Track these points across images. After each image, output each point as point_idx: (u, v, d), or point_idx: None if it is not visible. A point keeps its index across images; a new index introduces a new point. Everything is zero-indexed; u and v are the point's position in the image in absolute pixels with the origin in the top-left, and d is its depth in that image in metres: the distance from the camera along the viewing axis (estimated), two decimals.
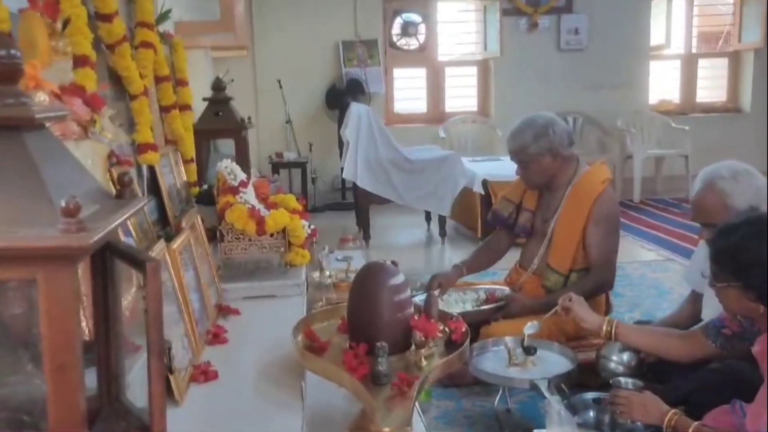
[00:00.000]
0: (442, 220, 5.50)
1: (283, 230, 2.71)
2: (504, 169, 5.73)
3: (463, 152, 7.00)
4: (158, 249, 1.92)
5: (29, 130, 0.97)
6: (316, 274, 2.93)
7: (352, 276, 2.82)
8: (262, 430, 1.65)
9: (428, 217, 5.87)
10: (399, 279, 1.92)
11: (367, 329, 1.86)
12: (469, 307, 2.97)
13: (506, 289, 3.05)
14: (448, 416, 2.54)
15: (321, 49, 7.28)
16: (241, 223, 2.63)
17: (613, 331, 2.26)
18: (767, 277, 1.74)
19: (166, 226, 2.85)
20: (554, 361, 2.47)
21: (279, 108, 7.10)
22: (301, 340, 1.94)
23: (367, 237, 5.49)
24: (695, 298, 2.52)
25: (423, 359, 1.83)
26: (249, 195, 2.72)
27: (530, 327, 2.44)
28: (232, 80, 6.58)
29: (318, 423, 2.00)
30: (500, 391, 2.42)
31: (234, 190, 2.70)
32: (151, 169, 2.91)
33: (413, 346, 1.85)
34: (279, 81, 7.03)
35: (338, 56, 7.26)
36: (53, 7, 1.39)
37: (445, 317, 2.02)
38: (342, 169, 5.43)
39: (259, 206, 2.76)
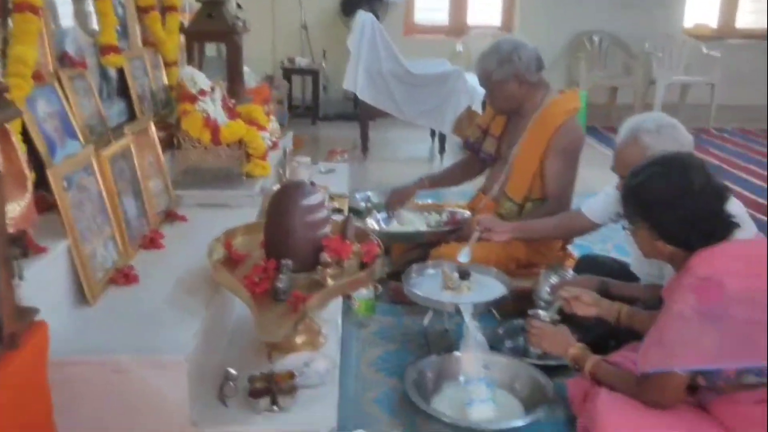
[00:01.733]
0: (442, 137, 5.45)
1: (240, 141, 2.74)
2: None
3: None
4: (83, 155, 1.98)
5: None
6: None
7: None
8: (158, 331, 1.74)
9: (433, 132, 5.82)
10: (314, 199, 1.96)
11: (279, 246, 1.93)
12: (424, 228, 3.01)
13: (466, 213, 3.07)
14: (386, 332, 2.62)
15: None
16: (196, 132, 2.68)
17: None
18: (671, 216, 1.73)
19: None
20: (489, 287, 2.50)
21: (295, 12, 6.96)
22: (221, 252, 2.01)
23: (365, 149, 5.49)
24: None
25: (328, 278, 1.89)
26: (208, 104, 2.74)
27: (463, 255, 2.46)
28: None
29: (238, 333, 2.11)
30: (430, 312, 2.47)
31: (192, 98, 2.72)
32: (121, 72, 2.95)
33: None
34: None
35: None
36: None
37: (363, 238, 2.07)
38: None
39: (220, 116, 2.78)
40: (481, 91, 5.06)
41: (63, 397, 1.61)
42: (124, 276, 1.99)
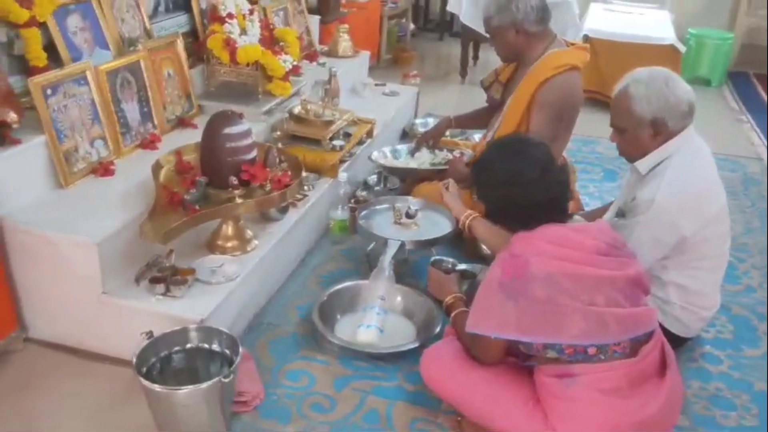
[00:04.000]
0: None
1: (257, 63, 3.07)
2: (628, 24, 5.30)
3: None
4: (78, 68, 2.45)
5: None
6: (296, 107, 3.23)
7: (326, 113, 3.18)
8: (94, 217, 2.19)
9: None
10: (238, 128, 2.27)
11: (204, 166, 2.29)
12: (427, 165, 3.17)
13: (469, 152, 3.18)
14: (352, 253, 2.89)
15: None
16: (217, 51, 3.04)
17: (467, 224, 2.32)
18: (492, 197, 1.83)
19: (196, 40, 3.35)
20: (435, 227, 2.68)
21: None
22: (172, 162, 2.41)
23: (463, 73, 5.54)
24: None
25: (237, 198, 2.22)
26: (234, 26, 3.07)
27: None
28: None
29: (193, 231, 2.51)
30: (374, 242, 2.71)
31: (220, 20, 3.07)
32: None
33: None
34: None
35: None
36: None
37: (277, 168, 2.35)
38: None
39: (254, 37, 3.10)
40: (591, 26, 4.90)
41: (17, 258, 2.16)
42: (103, 169, 2.47)
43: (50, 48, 2.56)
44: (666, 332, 2.07)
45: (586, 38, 4.88)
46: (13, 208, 2.18)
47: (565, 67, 2.72)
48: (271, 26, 3.42)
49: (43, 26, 2.51)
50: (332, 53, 4.25)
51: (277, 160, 2.40)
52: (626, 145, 2.15)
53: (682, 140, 2.07)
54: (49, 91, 2.31)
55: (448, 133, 3.60)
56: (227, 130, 2.23)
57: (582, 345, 1.73)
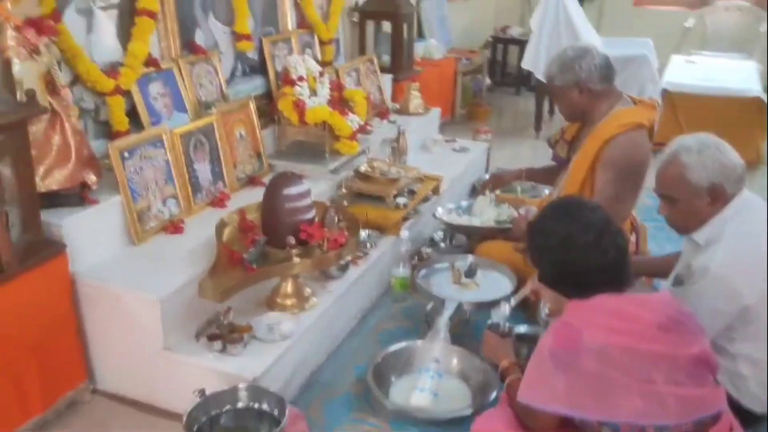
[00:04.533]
0: None
1: (324, 123, 3.17)
2: (711, 77, 5.13)
3: (714, 46, 6.25)
4: (154, 132, 2.60)
5: None
6: (363, 165, 3.30)
7: (392, 170, 3.23)
8: (158, 274, 2.30)
9: None
10: (297, 189, 2.34)
11: (265, 225, 2.37)
12: (491, 223, 3.14)
13: (534, 210, 3.13)
14: (413, 311, 2.89)
15: None
16: (287, 111, 3.17)
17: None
18: (546, 261, 1.78)
19: (270, 101, 3.51)
20: (496, 287, 2.63)
21: None
22: (236, 221, 2.50)
23: (538, 128, 5.50)
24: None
25: (294, 257, 2.28)
26: (304, 89, 3.19)
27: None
28: None
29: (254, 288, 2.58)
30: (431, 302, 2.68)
31: (292, 82, 3.20)
32: (262, 53, 3.55)
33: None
34: None
35: None
36: None
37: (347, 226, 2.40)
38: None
39: (314, 99, 3.22)
40: (670, 80, 4.80)
41: (87, 309, 2.29)
42: (173, 226, 2.60)
43: (132, 112, 2.75)
44: (739, 408, 1.94)
45: (665, 92, 4.76)
46: (87, 264, 2.32)
47: (630, 125, 2.65)
48: (342, 87, 3.53)
49: (126, 93, 2.71)
50: (404, 111, 4.33)
51: (336, 219, 2.45)
52: (680, 216, 2.07)
53: (738, 204, 1.97)
54: (126, 154, 2.46)
55: (519, 189, 3.58)
56: (286, 191, 2.30)
57: (639, 425, 1.64)
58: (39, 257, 2.10)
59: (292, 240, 2.27)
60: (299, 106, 3.14)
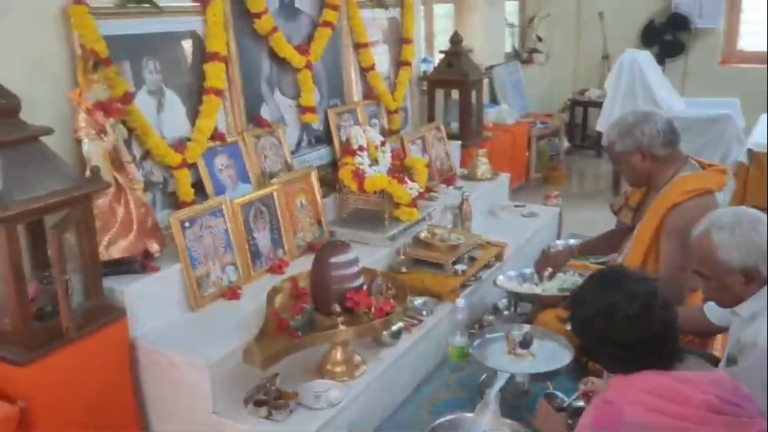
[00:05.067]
0: None
1: (383, 191, 3.22)
2: None
3: None
4: (214, 202, 2.73)
5: (26, 143, 1.94)
6: (423, 232, 3.31)
7: (452, 237, 3.23)
8: (210, 339, 2.37)
9: None
10: (344, 257, 2.38)
11: (313, 292, 2.41)
12: (554, 290, 3.06)
13: None
14: (470, 380, 2.82)
15: None
16: (347, 180, 3.25)
17: None
18: (587, 334, 1.71)
19: (335, 170, 3.62)
20: (553, 358, 2.54)
21: (596, 42, 6.97)
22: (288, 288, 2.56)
23: (616, 192, 5.34)
24: None
25: (340, 325, 2.30)
26: (364, 159, 3.28)
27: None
28: (548, 14, 6.80)
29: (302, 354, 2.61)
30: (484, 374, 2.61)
31: (352, 152, 3.29)
32: (328, 123, 3.69)
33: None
34: (600, 13, 6.87)
35: None
36: (84, 56, 2.25)
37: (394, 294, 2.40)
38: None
39: (375, 168, 3.30)
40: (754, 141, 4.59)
41: (145, 372, 2.38)
42: (231, 293, 2.69)
43: (199, 183, 2.90)
44: None
45: (750, 153, 4.52)
46: (147, 328, 2.42)
47: (696, 191, 2.55)
48: (402, 155, 3.59)
49: (193, 166, 2.87)
50: (471, 176, 4.34)
51: (384, 287, 2.46)
52: (713, 293, 1.95)
53: None
54: (187, 224, 2.59)
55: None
56: (333, 259, 2.34)
57: None
58: (100, 322, 2.22)
59: (337, 308, 2.30)
60: (358, 175, 3.21)
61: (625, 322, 1.65)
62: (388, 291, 2.49)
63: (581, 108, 6.87)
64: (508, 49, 6.66)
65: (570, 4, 7.18)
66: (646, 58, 5.20)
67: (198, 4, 2.89)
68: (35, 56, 2.34)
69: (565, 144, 6.45)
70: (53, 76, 2.39)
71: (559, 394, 2.29)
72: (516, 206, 4.28)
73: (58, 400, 2.10)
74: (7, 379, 2.04)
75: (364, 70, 4.00)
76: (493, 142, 4.96)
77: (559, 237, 4.30)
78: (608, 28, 6.81)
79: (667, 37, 6.50)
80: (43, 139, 2.10)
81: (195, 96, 2.92)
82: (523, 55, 6.76)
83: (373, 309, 2.35)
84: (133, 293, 2.38)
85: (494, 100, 5.96)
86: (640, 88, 4.98)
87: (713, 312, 2.21)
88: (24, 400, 2.02)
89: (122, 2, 2.59)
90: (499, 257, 3.47)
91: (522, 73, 6.44)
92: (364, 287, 2.43)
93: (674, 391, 1.59)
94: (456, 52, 4.63)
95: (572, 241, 3.98)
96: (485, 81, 5.82)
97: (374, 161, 3.39)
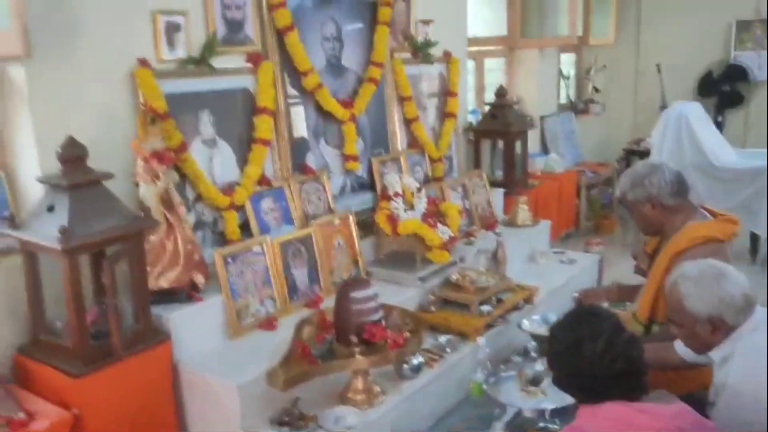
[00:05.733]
0: (754, 237, 4.95)
1: (415, 234, 3.45)
2: None
3: None
4: (254, 241, 3.03)
5: (90, 186, 2.26)
6: (454, 274, 3.50)
7: (481, 279, 3.42)
8: (242, 364, 2.63)
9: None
10: (364, 293, 2.61)
11: (337, 324, 2.65)
12: None
13: None
14: (482, 414, 2.92)
15: (709, 30, 6.81)
16: (383, 224, 3.49)
17: None
18: (556, 366, 1.86)
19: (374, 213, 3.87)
20: (563, 396, 2.64)
21: (654, 93, 7.03)
22: (314, 320, 2.80)
23: None
24: None
25: (357, 355, 2.52)
26: (399, 204, 3.52)
27: None
28: (604, 66, 6.95)
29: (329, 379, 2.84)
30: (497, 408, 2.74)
31: (388, 198, 3.55)
32: (371, 170, 3.97)
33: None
34: (658, 65, 6.94)
35: (729, 38, 6.69)
36: (145, 111, 2.62)
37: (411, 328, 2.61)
38: None
39: (410, 213, 3.54)
40: None
41: (186, 393, 2.66)
42: (268, 323, 2.96)
43: (246, 224, 3.21)
44: None
45: None
46: (190, 353, 2.71)
47: (700, 239, 2.65)
48: (437, 201, 3.81)
49: (241, 208, 3.19)
50: (512, 223, 4.50)
51: (401, 322, 2.66)
52: (686, 340, 2.08)
53: (748, 327, 1.93)
54: (230, 260, 2.89)
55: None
56: (354, 294, 2.58)
57: None
58: (147, 344, 2.52)
59: (354, 338, 2.51)
60: (392, 219, 3.46)
61: (590, 359, 1.80)
62: (406, 326, 2.69)
63: (637, 157, 6.87)
64: (563, 100, 6.82)
65: (628, 56, 7.29)
66: (694, 109, 5.25)
67: (250, 65, 3.25)
68: (105, 110, 2.73)
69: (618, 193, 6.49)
70: (120, 127, 2.77)
71: (549, 426, 2.40)
72: (555, 252, 4.40)
73: (107, 410, 2.39)
74: (65, 389, 2.36)
75: (408, 122, 4.28)
76: (538, 189, 5.11)
77: (599, 283, 4.38)
78: (666, 79, 6.86)
79: (725, 88, 6.50)
80: (107, 182, 2.46)
81: (245, 145, 3.26)
82: (579, 106, 6.90)
83: (387, 341, 2.55)
84: (178, 320, 2.68)
85: (545, 150, 6.11)
86: (687, 139, 5.03)
87: (683, 347, 2.30)
88: (78, 407, 2.33)
89: (182, 65, 2.97)
90: (528, 300, 3.60)
91: (576, 123, 6.57)
92: (383, 321, 2.64)
93: (633, 422, 1.72)
94: (501, 104, 4.86)
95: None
96: (537, 130, 6.02)
97: (410, 206, 3.62)
